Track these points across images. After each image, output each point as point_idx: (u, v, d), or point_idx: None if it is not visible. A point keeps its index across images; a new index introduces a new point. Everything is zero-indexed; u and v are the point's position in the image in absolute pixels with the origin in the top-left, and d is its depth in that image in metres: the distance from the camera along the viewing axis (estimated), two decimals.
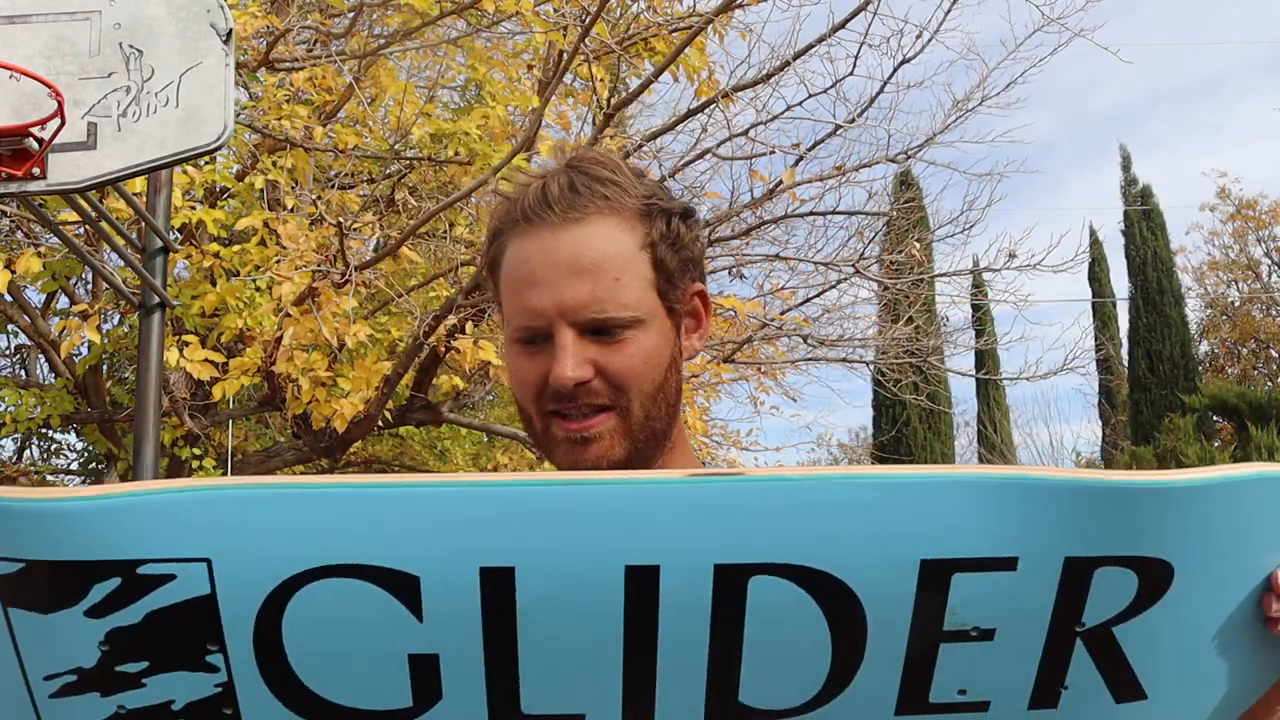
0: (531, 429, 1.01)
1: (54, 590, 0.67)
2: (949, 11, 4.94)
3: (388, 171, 5.50)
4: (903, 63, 5.07)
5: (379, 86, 5.35)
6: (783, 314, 6.97)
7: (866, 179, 11.24)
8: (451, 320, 4.58)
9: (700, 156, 5.31)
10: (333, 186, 5.55)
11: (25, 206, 3.74)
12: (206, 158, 4.14)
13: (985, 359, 18.16)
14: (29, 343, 7.68)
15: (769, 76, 4.77)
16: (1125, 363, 18.78)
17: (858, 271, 6.66)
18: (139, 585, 0.66)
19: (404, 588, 0.66)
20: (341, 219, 4.37)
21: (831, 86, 4.97)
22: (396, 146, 4.68)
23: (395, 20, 5.34)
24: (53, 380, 6.48)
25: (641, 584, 0.66)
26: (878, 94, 5.21)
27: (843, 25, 4.68)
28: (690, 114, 5.00)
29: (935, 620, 0.69)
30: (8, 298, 5.53)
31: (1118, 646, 0.73)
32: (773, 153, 5.12)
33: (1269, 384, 18.35)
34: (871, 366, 8.49)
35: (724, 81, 4.90)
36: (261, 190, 5.09)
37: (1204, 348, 19.99)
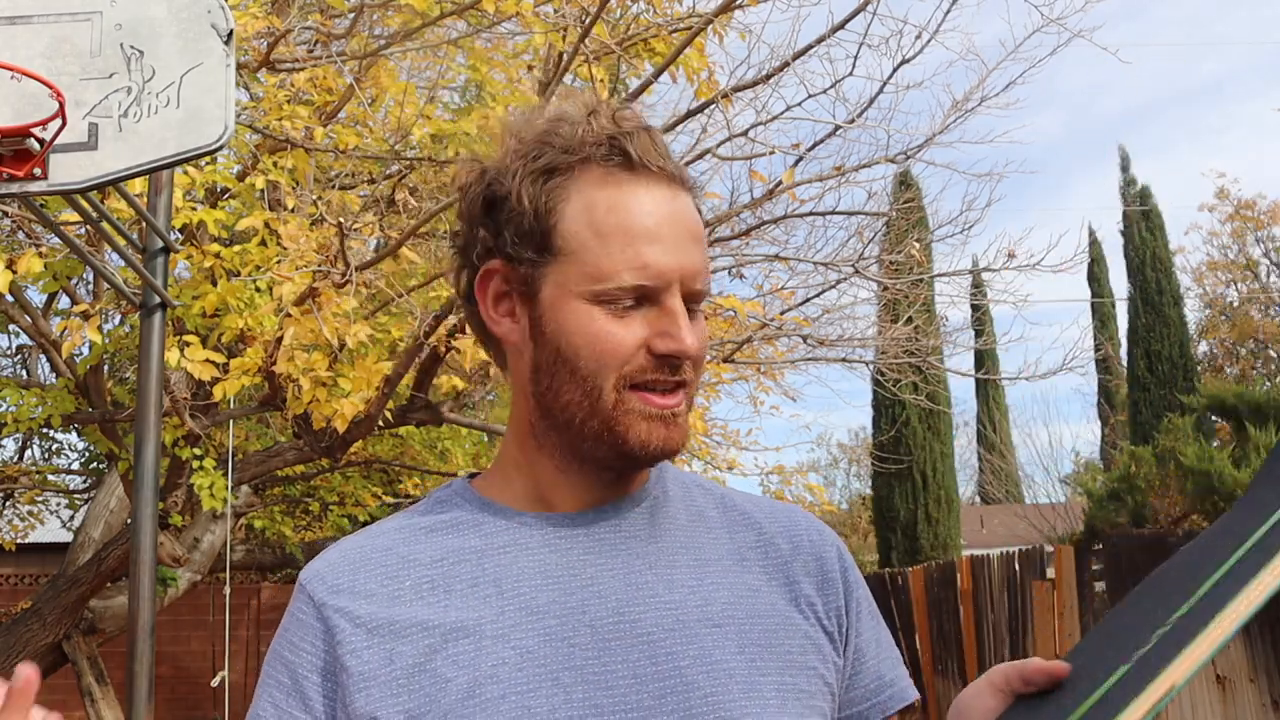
0: (590, 402, 0.90)
1: None
2: (948, 12, 4.95)
3: (388, 172, 5.51)
4: (902, 63, 5.07)
5: (379, 87, 5.36)
6: (782, 314, 6.98)
7: (866, 179, 11.27)
8: (452, 320, 4.59)
9: (700, 157, 5.31)
10: (333, 187, 5.56)
11: (26, 207, 3.75)
12: (207, 158, 4.15)
13: (985, 359, 18.17)
14: (30, 343, 7.69)
15: (769, 77, 4.78)
16: (1124, 363, 18.79)
17: (857, 271, 6.67)
18: None
19: None
20: (342, 219, 4.38)
21: (831, 87, 4.97)
22: (397, 147, 4.69)
23: (396, 21, 5.34)
24: (54, 380, 6.49)
25: None
26: (877, 94, 5.22)
27: (842, 26, 4.69)
28: (690, 114, 5.01)
29: None
30: (9, 298, 5.54)
31: None
32: (772, 153, 5.13)
33: (1268, 384, 18.35)
34: (871, 366, 8.51)
35: (723, 82, 4.91)
36: (262, 191, 5.09)
37: (1203, 348, 20.00)
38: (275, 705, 0.91)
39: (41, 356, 8.11)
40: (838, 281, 7.03)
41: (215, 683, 7.87)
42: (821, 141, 5.50)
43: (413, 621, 0.89)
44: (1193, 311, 19.42)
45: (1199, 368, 18.22)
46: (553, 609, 0.90)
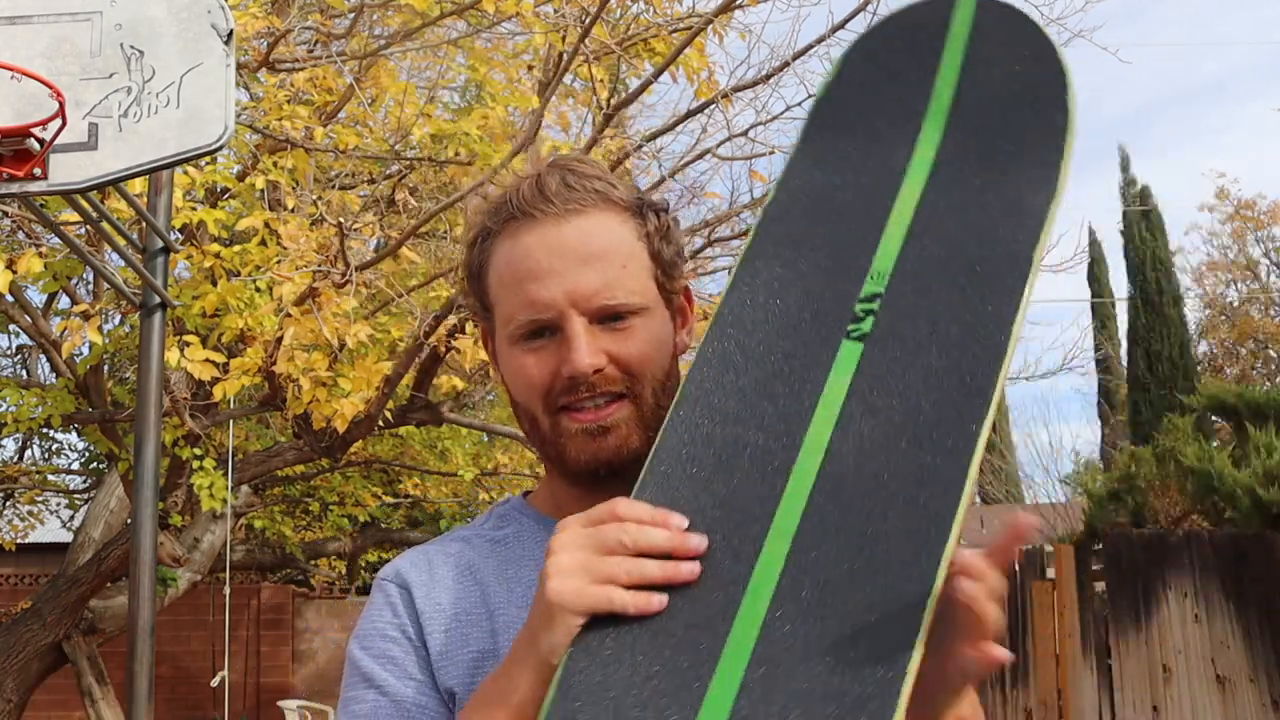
0: (537, 430, 1.00)
1: None
2: None
3: (388, 172, 5.51)
4: None
5: (379, 87, 5.36)
6: None
7: None
8: (451, 320, 4.59)
9: (700, 157, 5.32)
10: (333, 187, 5.56)
11: (26, 207, 3.75)
12: (207, 158, 4.15)
13: None
14: (30, 343, 7.69)
15: (768, 77, 4.78)
16: (1124, 363, 18.77)
17: None
18: None
19: None
20: (342, 219, 4.38)
21: None
22: (397, 147, 4.69)
23: (395, 21, 5.35)
24: (54, 380, 6.49)
25: None
26: None
27: (842, 25, 4.70)
28: (690, 114, 5.01)
29: None
30: (9, 298, 5.54)
31: None
32: (773, 153, 5.14)
33: (1267, 384, 18.34)
34: None
35: (724, 82, 4.91)
36: (262, 191, 5.09)
37: (1203, 348, 19.98)
38: (397, 675, 0.96)
39: (41, 356, 8.11)
40: None
41: (215, 683, 7.87)
42: None
43: (481, 613, 0.97)
44: (1193, 311, 19.39)
45: (1199, 368, 18.21)
46: None
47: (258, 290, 4.60)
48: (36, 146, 2.66)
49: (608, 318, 0.95)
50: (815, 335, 0.78)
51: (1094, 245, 19.18)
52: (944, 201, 0.80)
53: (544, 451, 1.01)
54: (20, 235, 5.61)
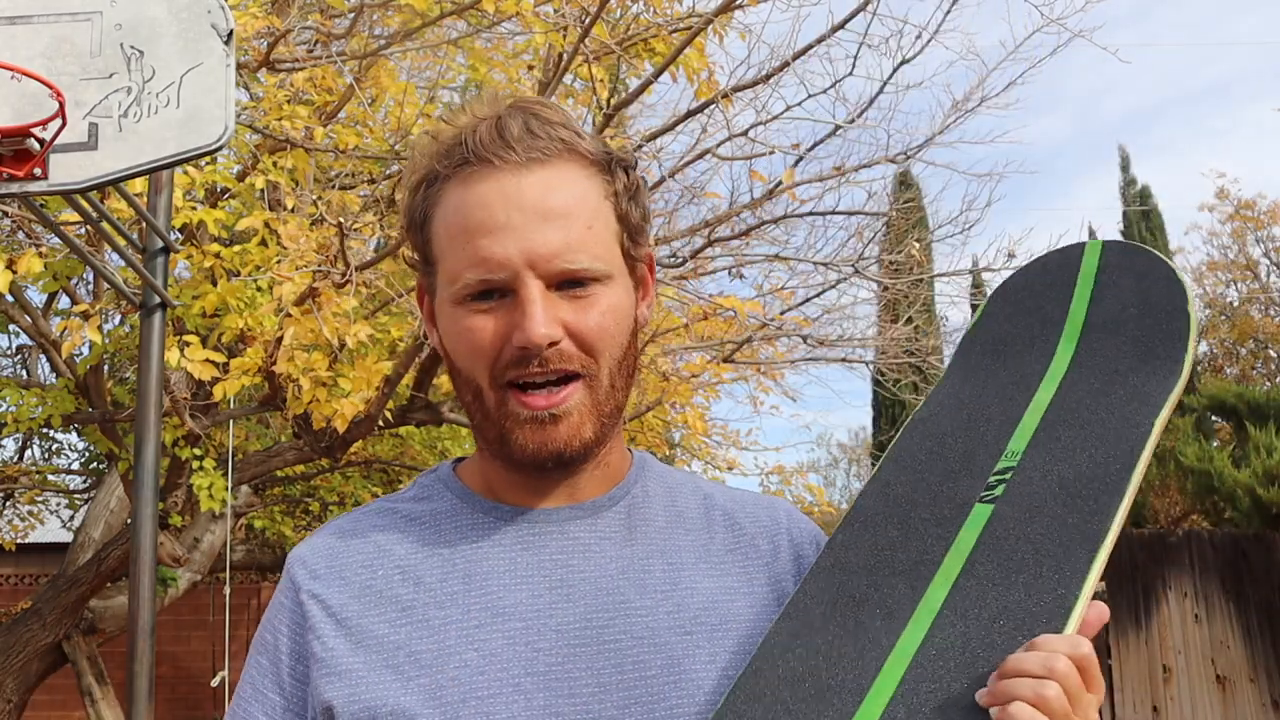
0: (480, 405, 0.89)
1: None
2: (948, 13, 4.95)
3: (388, 172, 5.51)
4: (902, 63, 5.07)
5: (379, 87, 5.36)
6: (782, 314, 6.98)
7: (866, 179, 11.26)
8: None
9: (700, 157, 5.32)
10: (333, 187, 5.56)
11: (26, 207, 3.74)
12: (207, 158, 4.15)
13: None
14: (30, 343, 7.69)
15: (769, 77, 4.77)
16: None
17: (857, 271, 6.67)
18: None
19: None
20: (342, 219, 4.38)
21: (831, 87, 4.97)
22: (397, 147, 4.69)
23: (395, 21, 5.34)
24: (54, 380, 6.49)
25: None
26: (877, 94, 5.22)
27: (842, 25, 4.69)
28: (690, 114, 5.01)
29: None
30: (9, 298, 5.54)
31: None
32: (772, 153, 5.13)
33: (1267, 384, 18.33)
34: (871, 366, 8.50)
35: (723, 82, 4.90)
36: (262, 191, 5.09)
37: (1202, 348, 19.96)
38: (254, 686, 0.92)
39: (41, 356, 8.11)
40: (838, 281, 7.02)
41: (215, 683, 7.87)
42: (821, 141, 5.51)
43: (381, 616, 0.88)
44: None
45: (1199, 367, 18.19)
46: (519, 611, 0.88)
47: (258, 290, 4.60)
48: (36, 146, 2.66)
49: (567, 283, 0.86)
50: (955, 497, 0.89)
51: None
52: (1075, 396, 0.92)
53: (483, 432, 0.90)
54: (20, 235, 5.61)
